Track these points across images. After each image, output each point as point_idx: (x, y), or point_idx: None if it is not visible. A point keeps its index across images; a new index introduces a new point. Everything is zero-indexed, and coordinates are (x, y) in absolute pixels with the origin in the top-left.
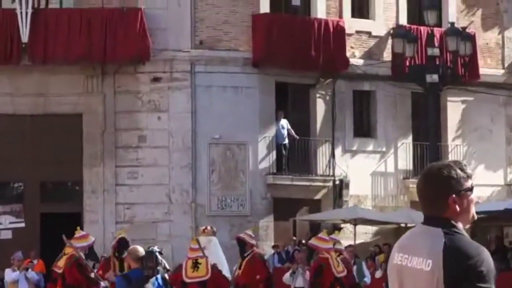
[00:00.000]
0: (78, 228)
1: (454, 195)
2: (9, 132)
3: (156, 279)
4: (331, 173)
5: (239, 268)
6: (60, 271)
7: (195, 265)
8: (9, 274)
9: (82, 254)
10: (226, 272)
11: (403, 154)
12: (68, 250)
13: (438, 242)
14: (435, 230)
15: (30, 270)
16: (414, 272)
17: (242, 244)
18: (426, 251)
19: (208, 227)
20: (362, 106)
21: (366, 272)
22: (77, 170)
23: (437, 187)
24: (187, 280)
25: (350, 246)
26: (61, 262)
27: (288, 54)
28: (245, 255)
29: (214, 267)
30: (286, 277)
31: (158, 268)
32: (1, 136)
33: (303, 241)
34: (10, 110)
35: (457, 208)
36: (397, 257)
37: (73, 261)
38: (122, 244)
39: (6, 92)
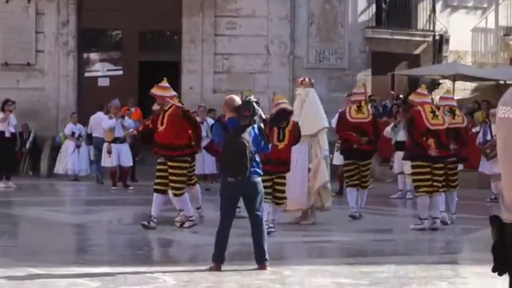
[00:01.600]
0: (165, 78)
1: None
2: None
3: (253, 128)
4: (431, 28)
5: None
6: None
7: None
8: (106, 121)
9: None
10: (323, 122)
11: (505, 10)
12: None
13: None
14: None
15: (127, 117)
16: None
17: None
18: None
19: (306, 79)
20: None
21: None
22: (176, 20)
23: None
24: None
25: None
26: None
27: None
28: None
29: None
30: (388, 130)
31: (255, 118)
32: None
33: (401, 96)
34: None
35: None
36: (500, 111)
37: (180, 110)
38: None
39: None
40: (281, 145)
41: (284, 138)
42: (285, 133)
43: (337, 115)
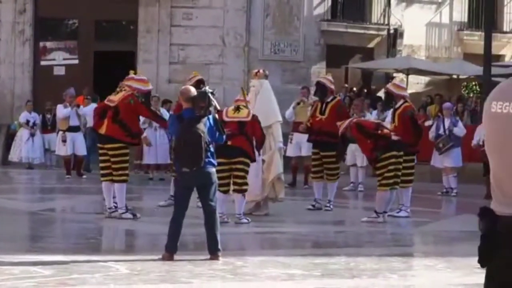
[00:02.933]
0: (136, 71)
1: None
2: None
3: (208, 119)
4: (385, 22)
5: (321, 114)
6: (113, 104)
7: (237, 108)
8: (61, 110)
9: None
10: (277, 115)
11: (459, 5)
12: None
13: None
14: None
15: (81, 106)
16: None
17: (323, 89)
18: None
19: (261, 70)
20: None
21: None
22: (133, 9)
23: None
24: (227, 119)
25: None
26: (116, 97)
27: None
28: (328, 100)
29: (254, 115)
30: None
31: (210, 108)
32: None
33: (354, 89)
34: None
35: None
36: (496, 106)
37: (136, 99)
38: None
39: None
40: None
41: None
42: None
43: (291, 107)
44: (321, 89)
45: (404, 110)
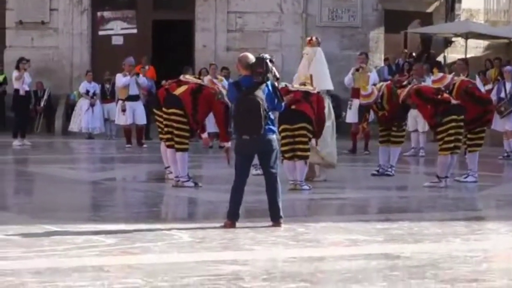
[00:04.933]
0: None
1: None
2: None
3: (267, 85)
4: None
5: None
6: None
7: (303, 84)
8: (120, 79)
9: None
10: (328, 82)
11: None
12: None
13: None
14: None
15: (141, 75)
16: None
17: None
18: None
19: (314, 38)
20: None
21: (480, 85)
22: None
23: None
24: (292, 89)
25: (461, 59)
26: (180, 90)
27: None
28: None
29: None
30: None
31: (268, 75)
32: None
33: (414, 54)
34: None
35: None
36: None
37: (221, 98)
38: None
39: None
40: None
41: None
42: None
43: (350, 73)
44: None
45: (459, 89)
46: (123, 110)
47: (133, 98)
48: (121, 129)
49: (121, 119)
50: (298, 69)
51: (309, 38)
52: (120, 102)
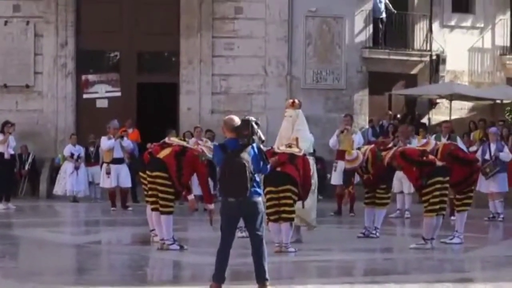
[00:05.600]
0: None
1: None
2: (107, 1)
3: (252, 148)
4: (428, 48)
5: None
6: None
7: (289, 146)
8: (105, 142)
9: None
10: (309, 143)
11: (501, 30)
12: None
13: None
14: None
15: (125, 138)
16: None
17: None
18: None
19: (296, 100)
20: None
21: (463, 146)
22: (174, 41)
23: None
24: (278, 151)
25: (446, 121)
26: (164, 153)
27: None
28: None
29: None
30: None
31: (254, 137)
32: (99, 6)
33: (398, 116)
34: None
35: None
36: None
37: (203, 160)
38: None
39: None
40: None
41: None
42: None
43: (335, 135)
44: None
45: (443, 152)
46: (108, 173)
47: (117, 161)
48: (106, 192)
49: (106, 182)
50: (280, 131)
51: (291, 101)
52: (105, 165)
